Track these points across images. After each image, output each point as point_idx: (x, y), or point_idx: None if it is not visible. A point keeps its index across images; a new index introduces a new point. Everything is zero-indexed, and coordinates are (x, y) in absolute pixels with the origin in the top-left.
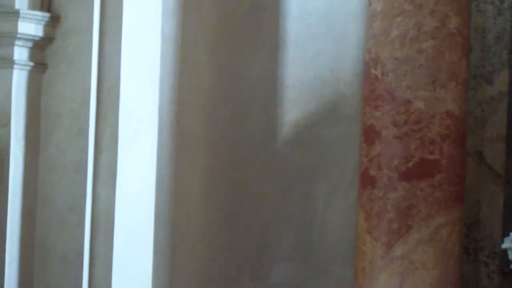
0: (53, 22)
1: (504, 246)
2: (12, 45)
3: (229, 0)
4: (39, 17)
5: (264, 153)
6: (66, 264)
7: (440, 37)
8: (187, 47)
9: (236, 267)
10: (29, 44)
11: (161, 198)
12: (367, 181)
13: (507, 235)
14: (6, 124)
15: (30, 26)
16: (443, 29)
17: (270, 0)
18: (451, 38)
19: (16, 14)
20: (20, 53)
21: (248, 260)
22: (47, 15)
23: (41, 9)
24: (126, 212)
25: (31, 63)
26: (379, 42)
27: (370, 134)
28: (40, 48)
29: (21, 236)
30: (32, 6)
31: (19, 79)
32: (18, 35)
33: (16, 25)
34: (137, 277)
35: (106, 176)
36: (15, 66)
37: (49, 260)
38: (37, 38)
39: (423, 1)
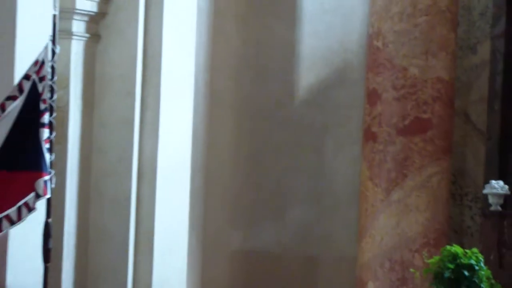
0: None
1: (485, 191)
2: (71, 19)
3: None
4: None
5: (282, 111)
6: (116, 205)
7: (432, 13)
8: (219, 20)
9: (259, 208)
10: (86, 18)
11: (196, 149)
12: (369, 136)
13: (488, 182)
14: (66, 86)
15: (86, 2)
16: (435, 7)
17: None
18: (441, 14)
19: None
20: (78, 26)
21: (269, 202)
22: None
23: None
24: (166, 161)
25: (87, 35)
26: (381, 17)
27: (372, 97)
28: (95, 22)
29: (78, 182)
30: None
31: (77, 48)
32: (76, 11)
33: (74, 1)
34: (176, 216)
35: (150, 131)
36: (73, 37)
37: (102, 203)
38: (92, 13)
39: None
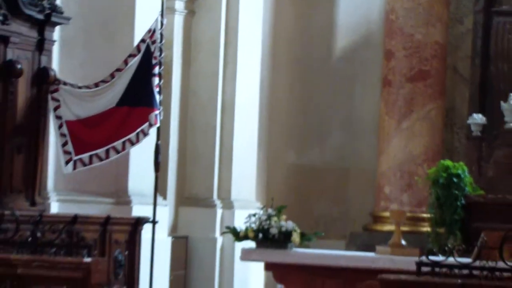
0: None
1: (468, 122)
2: (174, 0)
3: None
4: None
5: (324, 65)
6: (205, 132)
7: None
8: (278, 1)
9: (307, 133)
10: (183, 1)
11: (262, 92)
12: (386, 82)
13: (471, 115)
14: (170, 48)
15: None
16: None
17: None
18: None
19: None
20: (179, 5)
21: (315, 129)
22: None
23: None
24: (241, 101)
25: (185, 11)
26: None
27: (388, 54)
28: (191, 1)
29: (179, 115)
30: None
31: (178, 21)
32: None
33: None
34: (248, 140)
35: (230, 79)
36: (175, 12)
37: (195, 130)
38: None
39: None
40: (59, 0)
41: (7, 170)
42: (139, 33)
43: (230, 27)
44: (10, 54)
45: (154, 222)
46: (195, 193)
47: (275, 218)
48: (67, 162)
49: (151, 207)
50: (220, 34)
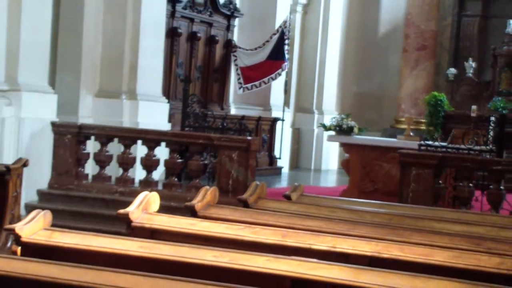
0: None
1: (447, 72)
2: (297, 4)
3: None
4: None
5: (373, 41)
6: (310, 73)
7: (430, 5)
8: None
9: (362, 76)
10: (302, 5)
11: (342, 48)
12: (404, 50)
13: (448, 69)
14: (293, 30)
15: None
16: (432, 4)
17: None
18: (432, 6)
19: None
20: (299, 8)
21: (366, 74)
22: None
23: None
24: (330, 58)
25: (302, 11)
26: (410, 5)
27: (406, 36)
28: (306, 6)
29: (297, 66)
30: None
31: (298, 16)
32: (298, 2)
33: None
34: (332, 78)
35: (324, 47)
36: (297, 12)
37: (305, 73)
38: (305, 3)
39: None
40: (238, 4)
41: (210, 91)
42: (278, 22)
43: (324, 21)
44: (213, 32)
45: (283, 120)
46: (304, 105)
47: (345, 119)
48: (239, 88)
49: (281, 112)
50: (319, 24)
